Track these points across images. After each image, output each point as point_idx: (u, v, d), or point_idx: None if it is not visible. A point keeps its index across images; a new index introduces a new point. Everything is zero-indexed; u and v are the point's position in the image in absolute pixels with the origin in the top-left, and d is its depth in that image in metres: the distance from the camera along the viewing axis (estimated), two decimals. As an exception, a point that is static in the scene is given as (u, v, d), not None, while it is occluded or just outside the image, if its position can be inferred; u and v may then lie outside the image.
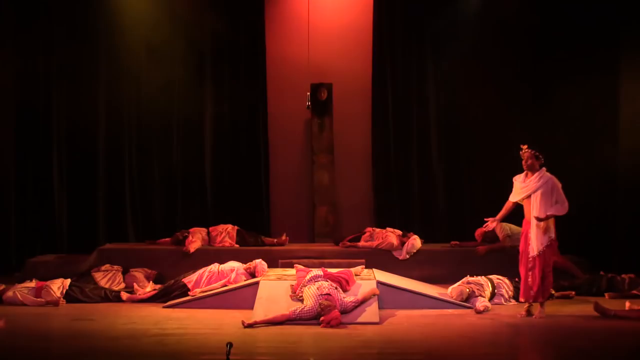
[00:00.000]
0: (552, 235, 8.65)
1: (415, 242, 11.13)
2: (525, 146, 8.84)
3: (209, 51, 12.73)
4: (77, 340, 7.68)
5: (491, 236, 11.06)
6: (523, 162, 8.81)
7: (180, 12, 12.46)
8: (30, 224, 12.42)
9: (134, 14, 12.36)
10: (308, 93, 12.34)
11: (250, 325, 8.12)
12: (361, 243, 11.29)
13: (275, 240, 11.71)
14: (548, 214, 8.56)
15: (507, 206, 9.02)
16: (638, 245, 11.40)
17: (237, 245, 11.40)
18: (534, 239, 8.63)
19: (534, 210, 8.64)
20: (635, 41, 11.67)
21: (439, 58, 12.64)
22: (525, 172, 8.85)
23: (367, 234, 11.44)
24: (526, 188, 8.75)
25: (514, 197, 8.92)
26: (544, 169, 8.76)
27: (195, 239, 11.26)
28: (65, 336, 8.02)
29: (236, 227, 11.61)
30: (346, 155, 12.80)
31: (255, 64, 12.77)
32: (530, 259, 8.67)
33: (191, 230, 11.51)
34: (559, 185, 8.70)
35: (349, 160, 12.84)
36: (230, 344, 5.99)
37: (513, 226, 11.00)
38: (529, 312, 8.72)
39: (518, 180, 8.90)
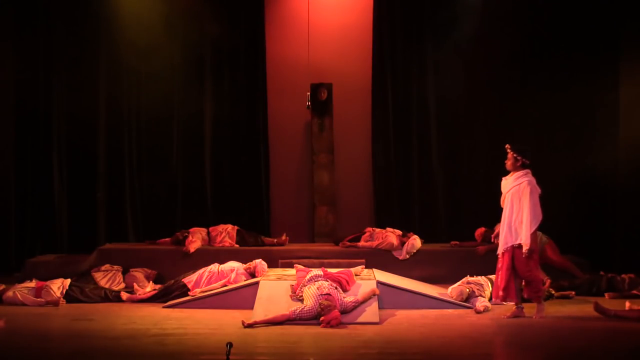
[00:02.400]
0: (528, 244, 8.50)
1: (415, 242, 11.14)
2: (508, 146, 8.81)
3: (209, 51, 12.73)
4: (77, 340, 7.68)
5: (491, 236, 11.05)
6: (506, 163, 8.80)
7: (180, 12, 12.46)
8: (30, 224, 12.43)
9: (134, 14, 12.35)
10: (308, 93, 12.34)
11: (250, 325, 8.12)
12: (361, 243, 11.29)
13: (275, 240, 11.72)
14: (522, 242, 8.48)
15: None
16: (638, 245, 11.40)
17: (237, 245, 11.40)
18: (501, 240, 8.65)
19: (505, 211, 8.65)
20: (635, 41, 11.68)
21: (439, 58, 12.63)
22: (511, 173, 8.82)
23: (367, 234, 11.44)
24: (504, 188, 8.76)
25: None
26: (527, 171, 8.68)
27: (195, 239, 11.26)
28: (65, 336, 8.03)
29: (236, 227, 11.61)
30: (346, 155, 12.80)
31: (255, 64, 12.77)
32: (499, 259, 8.67)
33: (191, 230, 11.51)
34: (536, 191, 8.58)
35: (349, 160, 12.85)
36: (230, 344, 5.99)
37: (513, 226, 10.99)
38: (515, 313, 8.65)
39: (503, 181, 8.88)
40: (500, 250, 8.68)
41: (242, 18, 12.77)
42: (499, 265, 8.68)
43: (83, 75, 12.43)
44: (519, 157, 8.69)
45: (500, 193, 8.91)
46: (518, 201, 8.58)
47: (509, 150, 8.77)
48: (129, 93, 12.65)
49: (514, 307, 8.72)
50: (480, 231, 11.36)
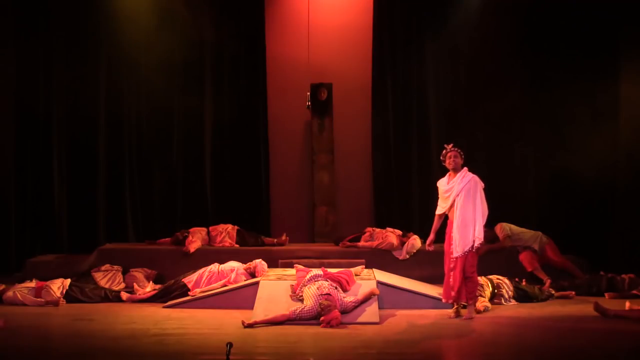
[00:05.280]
0: (481, 238, 8.52)
1: (415, 242, 11.13)
2: (450, 145, 8.76)
3: (209, 51, 12.73)
4: (77, 340, 7.68)
5: (491, 236, 11.05)
6: (448, 163, 8.68)
7: (181, 12, 12.46)
8: (30, 224, 12.42)
9: (134, 14, 12.36)
10: (308, 93, 12.35)
11: (250, 325, 8.12)
12: (361, 243, 11.29)
13: (275, 240, 11.72)
14: (479, 237, 8.46)
15: (437, 221, 8.87)
16: (638, 245, 11.39)
17: (237, 245, 11.40)
18: (458, 240, 8.52)
19: (456, 211, 8.55)
20: (635, 41, 11.68)
21: (439, 57, 12.64)
22: (448, 173, 8.74)
23: (367, 234, 11.44)
24: (450, 192, 8.62)
25: (440, 209, 8.77)
26: (465, 168, 8.67)
27: (195, 239, 11.26)
28: (65, 336, 8.03)
29: (236, 227, 11.61)
30: (346, 155, 12.81)
31: (255, 64, 12.77)
32: (453, 259, 8.56)
33: (191, 230, 11.51)
34: (482, 185, 8.59)
35: (349, 160, 12.85)
36: (230, 344, 6.00)
37: (513, 226, 11.01)
38: (457, 313, 8.65)
39: (441, 185, 8.76)
40: (458, 254, 8.51)
41: (242, 18, 12.76)
42: (452, 266, 8.55)
43: (83, 76, 12.42)
44: (462, 155, 8.68)
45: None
46: (469, 201, 8.51)
47: (452, 149, 8.70)
48: (129, 92, 12.65)
49: (456, 306, 8.66)
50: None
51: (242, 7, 12.75)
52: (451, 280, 8.57)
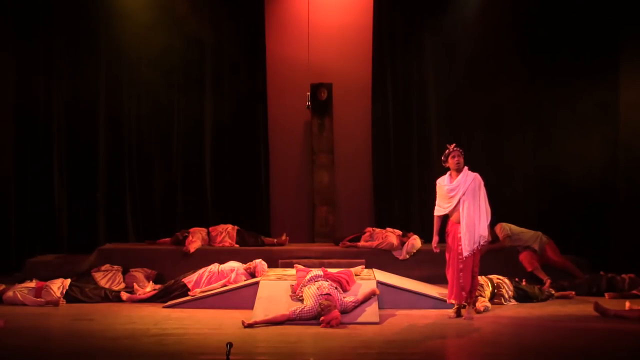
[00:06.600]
0: (486, 235, 8.57)
1: (415, 242, 11.13)
2: (453, 145, 8.74)
3: (209, 51, 12.73)
4: (77, 340, 7.68)
5: (491, 236, 11.04)
6: (451, 163, 8.65)
7: (180, 12, 12.45)
8: (30, 224, 12.42)
9: (134, 13, 12.36)
10: (308, 93, 12.35)
11: (250, 325, 8.12)
12: (361, 243, 11.30)
13: (275, 240, 11.72)
14: (483, 235, 8.50)
15: (438, 222, 8.84)
16: (638, 245, 11.39)
17: (237, 245, 11.41)
18: (465, 240, 8.49)
19: (463, 211, 8.53)
20: (636, 41, 11.68)
21: (438, 57, 12.63)
22: (449, 173, 8.73)
23: (367, 234, 11.44)
24: (455, 192, 8.60)
25: (441, 210, 8.75)
26: (466, 167, 8.67)
27: (195, 239, 11.26)
28: (65, 336, 8.03)
29: (236, 227, 11.62)
30: (346, 155, 12.80)
31: (255, 64, 12.77)
32: (462, 259, 8.51)
33: (191, 230, 11.52)
34: (483, 183, 8.60)
35: (349, 160, 12.85)
36: (230, 344, 6.00)
37: (513, 226, 11.01)
38: (457, 313, 8.65)
39: (443, 185, 8.73)
40: (467, 253, 8.47)
41: (242, 18, 12.77)
42: (461, 266, 8.51)
43: (83, 76, 12.42)
44: (463, 154, 8.68)
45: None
46: (476, 199, 8.52)
47: (455, 149, 8.67)
48: (129, 92, 12.65)
49: (456, 306, 8.67)
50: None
51: (242, 7, 12.75)
52: (461, 280, 8.53)
